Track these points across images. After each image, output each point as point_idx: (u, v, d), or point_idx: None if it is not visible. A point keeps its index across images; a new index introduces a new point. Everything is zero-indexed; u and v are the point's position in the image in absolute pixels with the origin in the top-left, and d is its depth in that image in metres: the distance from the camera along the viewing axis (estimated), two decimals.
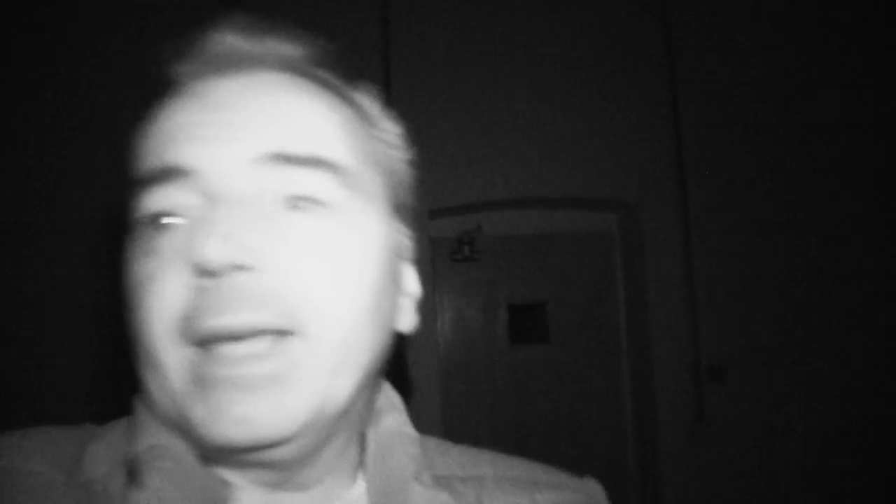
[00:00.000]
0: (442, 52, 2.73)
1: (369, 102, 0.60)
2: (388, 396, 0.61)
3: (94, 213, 2.12)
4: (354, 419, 0.55)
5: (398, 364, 0.64)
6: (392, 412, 0.60)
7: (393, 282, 0.56)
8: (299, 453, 0.50)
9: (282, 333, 0.47)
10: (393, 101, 2.64)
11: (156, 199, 0.50)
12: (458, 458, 0.64)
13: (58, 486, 0.51)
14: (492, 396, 2.86)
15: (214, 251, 0.45)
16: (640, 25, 2.89)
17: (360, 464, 0.58)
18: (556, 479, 0.64)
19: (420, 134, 2.42)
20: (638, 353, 2.92)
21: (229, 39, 0.54)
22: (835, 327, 2.87)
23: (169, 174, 0.49)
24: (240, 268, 0.46)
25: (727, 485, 2.74)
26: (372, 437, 0.58)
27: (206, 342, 0.46)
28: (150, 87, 0.57)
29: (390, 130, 0.60)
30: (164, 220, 0.50)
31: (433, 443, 0.65)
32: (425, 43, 2.73)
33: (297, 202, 0.49)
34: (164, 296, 0.48)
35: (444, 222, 2.87)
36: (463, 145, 2.72)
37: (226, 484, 0.51)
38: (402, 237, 0.59)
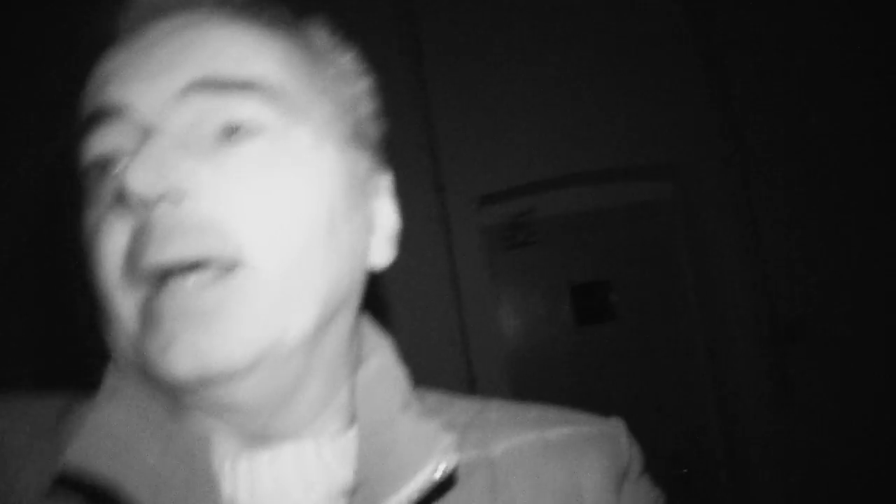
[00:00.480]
0: (477, 35, 2.67)
1: (320, 35, 0.58)
2: (374, 339, 0.60)
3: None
4: (331, 360, 0.54)
5: (378, 303, 0.62)
6: (378, 353, 0.59)
7: (355, 212, 0.54)
8: (262, 392, 0.48)
9: (224, 268, 0.46)
10: (428, 87, 2.59)
11: (94, 143, 0.50)
12: (462, 405, 0.62)
13: (21, 448, 0.51)
14: (562, 380, 2.78)
15: (140, 180, 0.44)
16: None
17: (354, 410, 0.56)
18: (568, 416, 0.62)
19: (460, 120, 2.36)
20: (710, 321, 2.80)
21: None
22: None
23: (102, 114, 0.49)
24: (169, 197, 0.46)
25: (818, 452, 2.60)
26: (360, 378, 0.56)
27: (151, 280, 0.46)
28: (91, 42, 0.56)
29: (344, 62, 0.58)
30: (104, 165, 0.49)
31: (434, 396, 0.62)
32: (459, 24, 2.66)
33: (233, 131, 0.48)
34: (107, 240, 0.48)
35: (494, 209, 2.80)
36: (506, 127, 2.64)
37: (197, 430, 0.51)
38: (367, 168, 0.57)
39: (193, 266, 0.45)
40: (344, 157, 0.54)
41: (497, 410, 0.61)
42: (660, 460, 2.72)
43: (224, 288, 0.46)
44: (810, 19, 2.75)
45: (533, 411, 0.62)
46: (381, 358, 0.58)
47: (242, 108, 0.49)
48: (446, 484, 0.51)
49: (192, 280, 0.45)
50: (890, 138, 2.75)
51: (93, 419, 0.48)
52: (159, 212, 0.46)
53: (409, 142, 2.60)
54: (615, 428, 0.62)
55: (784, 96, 2.75)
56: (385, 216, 0.59)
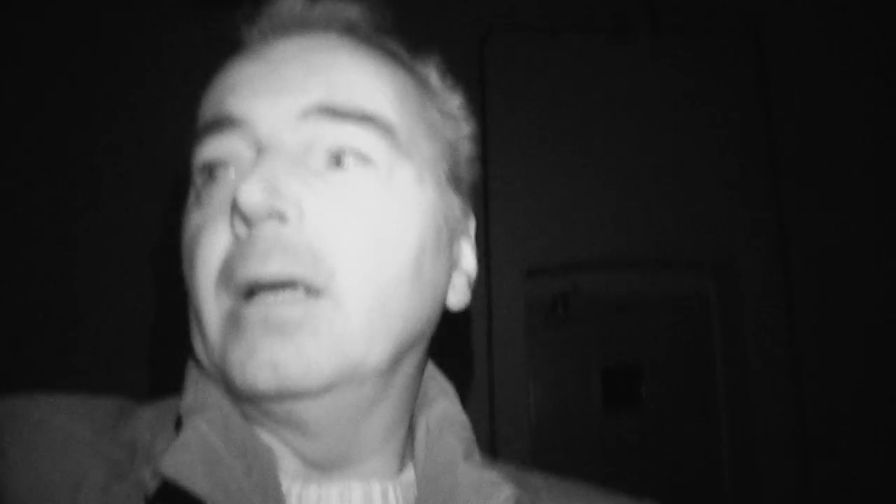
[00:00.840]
0: (538, 107, 2.71)
1: (432, 72, 0.60)
2: (440, 383, 0.61)
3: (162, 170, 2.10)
4: (399, 396, 0.54)
5: (451, 345, 0.64)
6: (443, 398, 0.59)
7: (442, 253, 0.55)
8: (332, 415, 0.49)
9: (314, 290, 0.47)
10: (488, 155, 2.63)
11: (209, 149, 0.51)
12: (504, 466, 0.62)
13: (87, 445, 0.51)
14: (586, 464, 2.75)
15: (253, 196, 0.45)
16: (738, 73, 2.80)
17: (409, 449, 0.57)
18: (609, 494, 0.65)
19: (515, 190, 2.38)
20: (738, 421, 2.78)
21: (295, 4, 0.56)
22: None
23: (221, 124, 0.51)
24: (277, 216, 0.47)
25: None
26: (422, 422, 0.57)
27: (242, 291, 0.47)
28: (221, 50, 0.59)
29: (452, 102, 0.60)
30: (217, 170, 0.51)
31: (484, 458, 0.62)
32: (522, 96, 2.70)
33: (343, 157, 0.50)
34: (210, 245, 0.49)
35: (538, 282, 2.81)
36: (558, 203, 2.67)
37: (269, 448, 0.51)
38: (458, 210, 0.58)
39: (285, 284, 0.47)
40: (441, 198, 0.56)
41: (539, 478, 0.63)
42: None
43: (310, 308, 0.47)
44: (861, 121, 2.79)
45: (574, 484, 0.65)
46: (447, 403, 0.59)
47: (356, 139, 0.50)
48: None
49: (281, 296, 0.47)
50: None
51: (187, 433, 0.48)
52: (264, 228, 0.47)
53: None
54: None
55: (832, 201, 2.77)
56: (466, 259, 0.61)
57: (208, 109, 0.53)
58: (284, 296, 0.46)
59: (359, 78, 0.52)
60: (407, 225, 0.51)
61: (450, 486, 0.52)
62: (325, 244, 0.48)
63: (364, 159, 0.50)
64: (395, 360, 0.51)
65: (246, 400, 0.49)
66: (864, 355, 2.69)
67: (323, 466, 0.52)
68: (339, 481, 0.52)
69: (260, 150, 0.49)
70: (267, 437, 0.51)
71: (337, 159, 0.50)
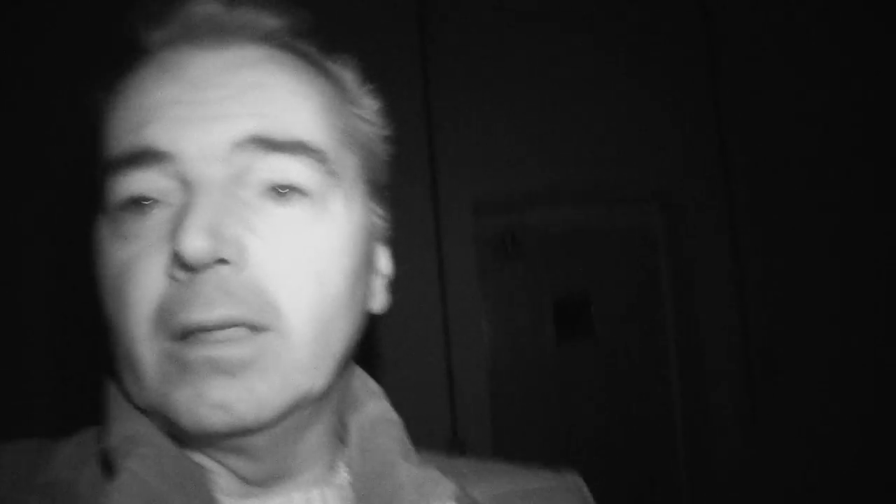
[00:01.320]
0: (481, 45, 2.68)
1: (349, 76, 0.58)
2: (367, 385, 0.61)
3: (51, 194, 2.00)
4: (332, 408, 0.55)
5: (369, 345, 0.63)
6: (373, 399, 0.59)
7: (367, 265, 0.55)
8: (273, 440, 0.49)
9: (257, 328, 0.46)
10: (430, 94, 2.60)
11: (131, 183, 0.48)
12: (437, 462, 0.61)
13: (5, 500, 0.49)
14: (540, 395, 2.81)
15: (198, 245, 0.44)
16: (680, 8, 2.81)
17: (340, 452, 0.57)
18: (534, 471, 0.64)
19: (461, 129, 2.36)
20: (686, 349, 2.86)
21: (206, 6, 0.51)
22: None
23: (145, 157, 0.47)
24: (222, 262, 0.45)
25: (782, 485, 2.67)
26: (354, 424, 0.57)
27: (183, 335, 0.45)
28: (115, 52, 0.53)
29: (369, 106, 0.58)
30: (142, 203, 0.48)
31: None
32: (463, 32, 2.67)
33: (278, 190, 0.48)
34: (142, 286, 0.47)
35: (488, 219, 2.82)
36: (505, 140, 2.67)
37: (205, 470, 0.50)
38: (377, 217, 0.58)
39: (227, 325, 0.46)
40: (365, 213, 0.55)
41: (463, 464, 0.63)
42: (629, 477, 2.76)
43: (256, 346, 0.46)
44: (810, 56, 2.82)
45: (499, 466, 0.64)
46: (377, 403, 0.59)
47: (291, 172, 0.48)
48: None
49: (225, 334, 0.45)
50: (881, 176, 2.83)
51: (122, 477, 0.46)
52: (207, 272, 0.45)
53: (407, 146, 2.59)
54: (578, 480, 0.65)
55: (777, 134, 2.82)
56: (383, 262, 0.60)
57: (125, 136, 0.48)
58: (228, 333, 0.45)
59: (288, 101, 0.50)
60: (342, 253, 0.51)
61: (392, 487, 0.53)
62: (269, 284, 0.47)
63: (300, 192, 0.49)
64: (334, 379, 0.52)
65: (192, 437, 0.48)
66: (805, 281, 2.77)
67: (262, 483, 0.52)
68: (279, 494, 0.53)
69: (189, 185, 0.47)
70: (204, 460, 0.51)
71: (273, 193, 0.48)
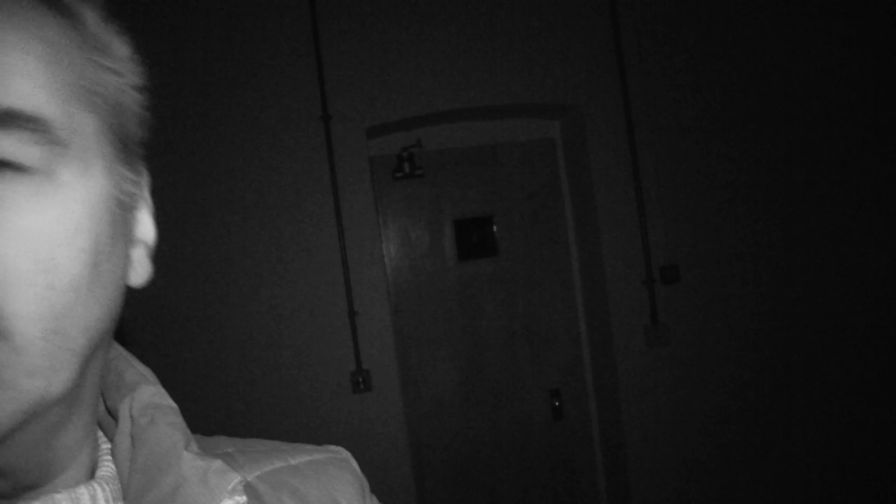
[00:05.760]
0: None
1: (91, 15, 0.48)
2: (137, 368, 0.55)
3: None
4: (89, 401, 0.49)
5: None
6: (145, 385, 0.54)
7: (119, 237, 0.47)
8: (14, 453, 0.44)
9: None
10: (318, 16, 2.49)
11: None
12: (204, 444, 0.59)
13: None
14: (444, 314, 2.82)
15: None
16: None
17: (99, 448, 0.53)
18: (298, 447, 0.63)
19: (351, 49, 2.28)
20: (588, 259, 2.90)
21: None
22: (788, 225, 2.88)
23: None
24: None
25: (683, 387, 2.78)
26: (124, 411, 0.52)
27: None
28: None
29: (118, 51, 0.49)
30: None
31: None
32: None
33: None
34: None
35: (382, 140, 2.76)
36: (396, 58, 2.59)
37: None
38: (130, 181, 0.49)
39: None
40: (111, 179, 0.47)
41: (228, 443, 0.61)
42: (535, 391, 2.83)
43: None
44: None
45: (263, 443, 0.63)
46: (150, 388, 0.54)
47: (2, 145, 0.40)
48: None
49: None
50: (779, 94, 2.88)
51: None
52: None
53: (296, 69, 2.50)
54: (345, 454, 0.65)
55: (673, 45, 2.82)
56: (143, 228, 0.53)
57: None
58: None
59: (2, 59, 0.40)
60: (76, 232, 0.43)
61: (174, 481, 0.49)
62: None
63: (15, 168, 0.40)
64: (82, 374, 0.45)
65: None
66: (703, 189, 2.83)
67: (16, 494, 0.47)
68: (38, 499, 0.48)
69: None
70: None
71: None
